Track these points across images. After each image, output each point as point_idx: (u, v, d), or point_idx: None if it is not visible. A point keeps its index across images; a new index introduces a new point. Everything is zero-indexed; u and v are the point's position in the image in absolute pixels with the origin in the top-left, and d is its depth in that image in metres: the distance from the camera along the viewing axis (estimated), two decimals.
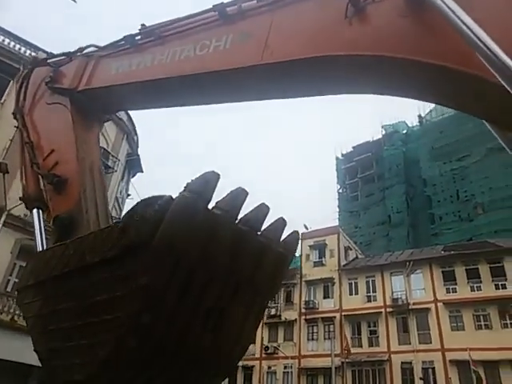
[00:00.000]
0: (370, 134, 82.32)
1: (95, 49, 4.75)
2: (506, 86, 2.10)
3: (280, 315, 38.00)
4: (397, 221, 54.86)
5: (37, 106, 4.91)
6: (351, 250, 41.64)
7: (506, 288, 30.67)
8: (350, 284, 36.78)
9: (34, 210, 4.35)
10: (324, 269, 38.31)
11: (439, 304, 32.04)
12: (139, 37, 4.25)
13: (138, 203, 2.64)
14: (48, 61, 5.13)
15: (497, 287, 31.02)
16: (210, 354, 2.82)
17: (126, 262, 2.57)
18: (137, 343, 2.53)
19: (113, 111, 5.01)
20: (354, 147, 65.79)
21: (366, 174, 62.70)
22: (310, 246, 40.09)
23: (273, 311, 38.20)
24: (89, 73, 4.63)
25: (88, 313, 2.76)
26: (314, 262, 39.39)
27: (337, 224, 50.86)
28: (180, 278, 2.56)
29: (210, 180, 2.57)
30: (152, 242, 2.43)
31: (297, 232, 3.25)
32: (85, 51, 4.85)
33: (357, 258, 41.35)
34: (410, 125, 64.83)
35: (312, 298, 37.73)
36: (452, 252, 34.25)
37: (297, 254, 49.88)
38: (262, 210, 2.90)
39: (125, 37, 4.30)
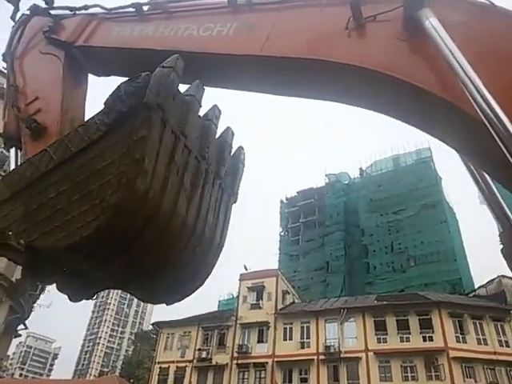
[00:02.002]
0: (314, 181, 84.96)
1: (101, 10, 4.80)
2: (484, 120, 2.30)
3: (211, 358, 36.65)
4: (334, 267, 55.98)
5: (29, 53, 4.90)
6: (289, 293, 41.58)
7: (432, 340, 31.76)
8: (285, 329, 36.44)
9: (12, 149, 4.40)
10: (260, 312, 37.78)
11: (370, 353, 32.40)
12: (147, 7, 4.38)
13: (118, 86, 3.00)
14: (49, 11, 5.12)
15: (424, 339, 32.02)
16: (194, 237, 3.20)
17: (120, 128, 2.90)
18: (131, 210, 2.74)
19: (105, 74, 4.96)
20: (298, 192, 67.56)
21: (308, 220, 64.15)
22: (248, 288, 39.58)
23: (204, 354, 36.80)
24: (89, 31, 4.70)
25: (84, 186, 2.92)
26: (251, 305, 38.79)
27: (276, 267, 50.94)
28: (167, 143, 2.94)
29: (179, 57, 3.17)
30: (143, 99, 2.83)
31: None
32: (90, 10, 4.89)
33: (294, 302, 41.30)
34: (351, 176, 67.90)
35: (246, 342, 36.81)
36: (384, 302, 35.16)
37: (234, 295, 49.15)
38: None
39: (132, 4, 4.40)
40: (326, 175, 67.25)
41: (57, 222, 2.91)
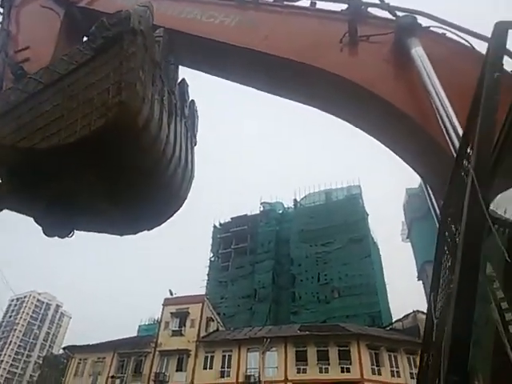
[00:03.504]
0: (249, 209, 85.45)
1: None
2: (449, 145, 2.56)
3: None
4: (262, 295, 55.91)
5: (30, 4, 5.10)
6: (213, 321, 40.69)
7: (349, 371, 32.34)
8: (206, 357, 35.37)
9: None
10: (182, 339, 36.48)
11: None
12: None
13: (101, 20, 3.62)
14: None
15: (342, 370, 32.50)
16: (175, 158, 3.76)
17: (108, 50, 3.44)
18: (134, 109, 3.23)
19: None
20: (232, 218, 67.39)
21: (240, 246, 63.98)
22: (171, 313, 38.21)
23: (117, 382, 34.66)
24: None
25: (82, 97, 3.33)
26: (173, 331, 37.36)
27: (203, 293, 49.86)
28: (149, 66, 3.51)
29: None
30: (129, 26, 3.43)
31: (185, 79, 4.37)
32: None
33: (217, 330, 40.41)
34: (285, 206, 69.19)
35: (164, 370, 35.19)
36: (307, 332, 35.45)
37: (156, 320, 47.18)
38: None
39: None
40: (261, 203, 68.08)
41: (59, 127, 3.24)
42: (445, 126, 2.70)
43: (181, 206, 4.24)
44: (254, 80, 4.48)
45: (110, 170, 3.36)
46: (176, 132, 3.82)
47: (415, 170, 3.85)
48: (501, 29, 2.33)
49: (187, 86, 4.52)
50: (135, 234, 4.05)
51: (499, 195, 2.08)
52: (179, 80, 4.40)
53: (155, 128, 3.43)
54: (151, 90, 3.42)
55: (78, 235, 3.71)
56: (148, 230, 4.13)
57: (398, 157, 3.80)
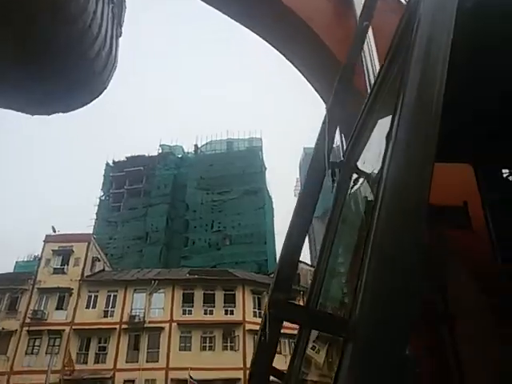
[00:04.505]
0: (147, 150, 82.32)
1: None
2: None
3: None
4: (154, 238, 55.40)
5: None
6: (100, 261, 39.39)
7: (233, 314, 34.18)
8: (90, 297, 34.44)
9: None
10: (64, 277, 34.83)
11: (174, 324, 33.10)
12: None
13: None
14: None
15: (226, 313, 34.24)
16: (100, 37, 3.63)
17: None
18: None
19: None
20: (127, 158, 64.34)
21: (134, 187, 61.81)
22: (53, 251, 35.99)
23: None
24: None
25: None
26: (54, 269, 35.39)
27: (91, 232, 47.70)
28: None
29: None
30: None
31: None
32: None
33: (104, 270, 39.32)
34: (186, 150, 67.85)
35: (42, 308, 33.50)
36: (196, 276, 36.28)
37: (35, 257, 44.31)
38: None
39: None
40: (160, 145, 65.86)
41: None
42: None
43: (100, 94, 4.18)
44: None
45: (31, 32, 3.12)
46: (103, 12, 3.68)
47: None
48: None
49: None
50: (50, 114, 3.97)
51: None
52: None
53: None
54: None
55: None
56: (64, 111, 4.07)
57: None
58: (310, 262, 42.58)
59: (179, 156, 66.90)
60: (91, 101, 4.10)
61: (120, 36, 4.36)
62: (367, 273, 1.07)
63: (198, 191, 58.21)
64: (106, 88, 4.16)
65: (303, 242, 2.19)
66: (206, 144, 65.14)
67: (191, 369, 29.50)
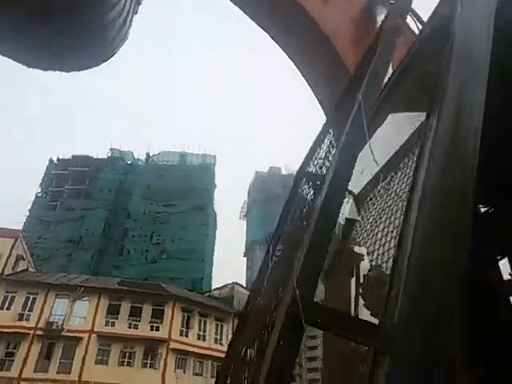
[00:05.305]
0: (95, 151, 79.79)
1: None
2: None
3: None
4: (87, 243, 52.85)
5: None
6: (24, 260, 36.82)
7: (158, 330, 32.89)
8: (6, 297, 31.92)
9: None
10: None
11: (93, 335, 31.29)
12: None
13: None
14: None
15: (152, 328, 32.87)
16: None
17: None
18: None
19: None
20: (73, 156, 61.74)
21: (76, 188, 59.09)
22: None
23: None
24: None
25: None
26: None
27: (20, 228, 44.66)
28: None
29: None
30: None
31: None
32: None
33: (27, 270, 36.76)
34: (136, 157, 66.28)
35: None
36: (125, 287, 34.75)
37: None
38: None
39: None
40: (111, 149, 63.95)
41: None
42: None
43: (107, 59, 4.76)
44: None
45: None
46: None
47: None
48: None
49: None
50: (68, 70, 4.78)
51: None
52: None
53: None
54: None
55: None
56: (78, 69, 4.65)
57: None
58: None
59: (129, 162, 65.21)
60: (102, 62, 4.61)
61: (136, 13, 4.70)
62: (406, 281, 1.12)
63: (143, 200, 56.75)
64: (113, 55, 4.57)
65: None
66: (159, 154, 64.08)
67: None
